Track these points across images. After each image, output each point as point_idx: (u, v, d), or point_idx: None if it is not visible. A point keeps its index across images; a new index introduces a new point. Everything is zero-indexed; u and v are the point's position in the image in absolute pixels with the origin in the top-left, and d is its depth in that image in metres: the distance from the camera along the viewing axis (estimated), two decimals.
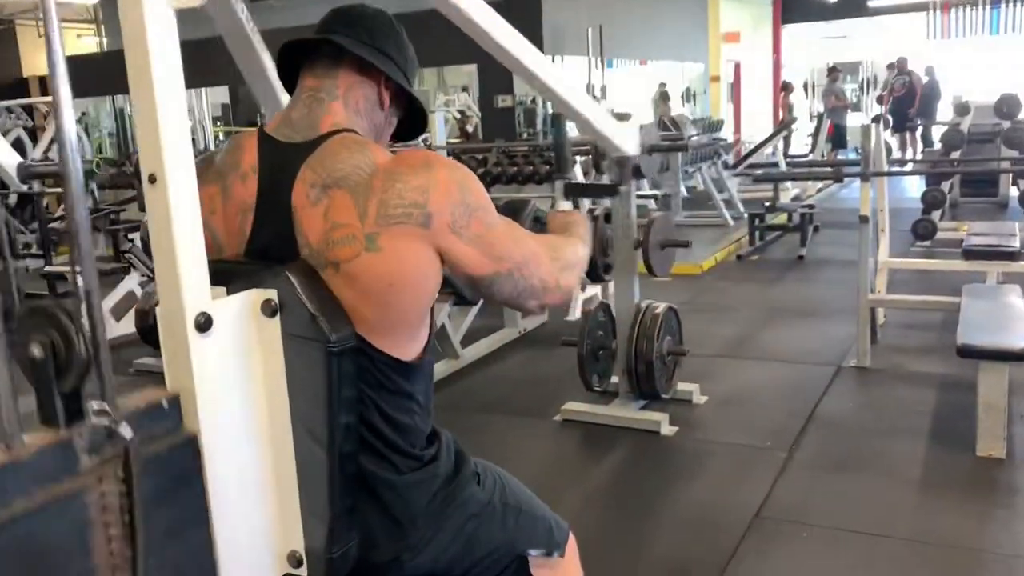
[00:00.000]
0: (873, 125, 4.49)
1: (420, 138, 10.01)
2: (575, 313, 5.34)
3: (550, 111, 12.55)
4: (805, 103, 17.02)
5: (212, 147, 11.03)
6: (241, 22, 2.39)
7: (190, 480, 1.14)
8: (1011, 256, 4.64)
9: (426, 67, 15.60)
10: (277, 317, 1.23)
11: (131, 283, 5.44)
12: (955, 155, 6.92)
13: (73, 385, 1.00)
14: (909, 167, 8.88)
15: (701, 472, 3.27)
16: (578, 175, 6.13)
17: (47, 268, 5.94)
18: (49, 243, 7.19)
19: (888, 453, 3.31)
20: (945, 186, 7.48)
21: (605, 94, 9.60)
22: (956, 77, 15.00)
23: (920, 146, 13.14)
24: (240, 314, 1.21)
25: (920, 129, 12.84)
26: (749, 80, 15.87)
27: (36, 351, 0.99)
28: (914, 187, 9.26)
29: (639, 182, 3.69)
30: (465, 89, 14.78)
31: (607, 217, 3.67)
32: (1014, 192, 8.15)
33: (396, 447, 1.31)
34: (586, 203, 6.06)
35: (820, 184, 9.65)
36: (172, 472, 1.12)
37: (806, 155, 11.87)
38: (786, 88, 15.46)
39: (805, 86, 17.43)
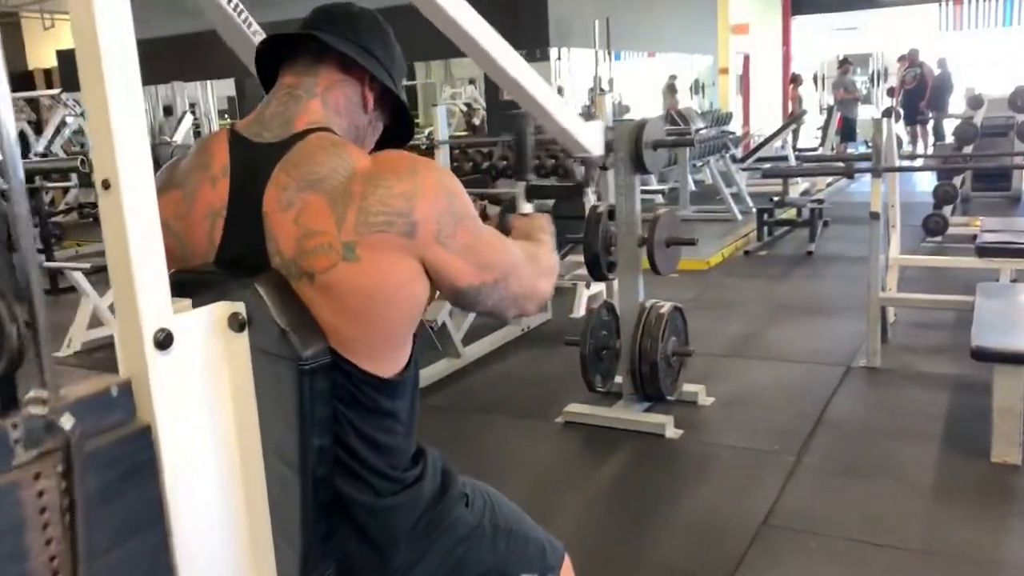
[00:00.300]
0: (885, 119, 4.36)
1: (424, 133, 9.91)
2: (579, 311, 5.26)
3: None
4: (815, 96, 16.86)
5: None
6: (229, 15, 2.31)
7: (144, 477, 1.05)
8: None
9: (432, 60, 15.52)
10: (245, 332, 1.15)
11: None
12: (968, 149, 6.78)
13: (4, 370, 0.91)
14: (919, 162, 8.76)
15: (707, 477, 3.18)
16: (582, 170, 6.03)
17: (46, 263, 5.88)
18: (50, 237, 7.14)
19: (899, 458, 3.21)
20: (957, 181, 7.35)
21: (612, 87, 9.48)
22: (969, 69, 14.81)
23: (931, 139, 13.00)
24: (205, 329, 1.13)
25: (931, 122, 12.68)
26: (758, 72, 15.71)
27: None
28: (924, 181, 9.14)
29: (645, 177, 3.61)
30: (472, 82, 14.69)
31: (611, 214, 3.58)
32: None
33: (375, 469, 1.22)
34: (591, 198, 5.97)
35: (830, 178, 9.52)
36: (122, 467, 1.02)
37: (815, 149, 11.72)
38: (795, 80, 15.31)
39: (815, 78, 17.26)
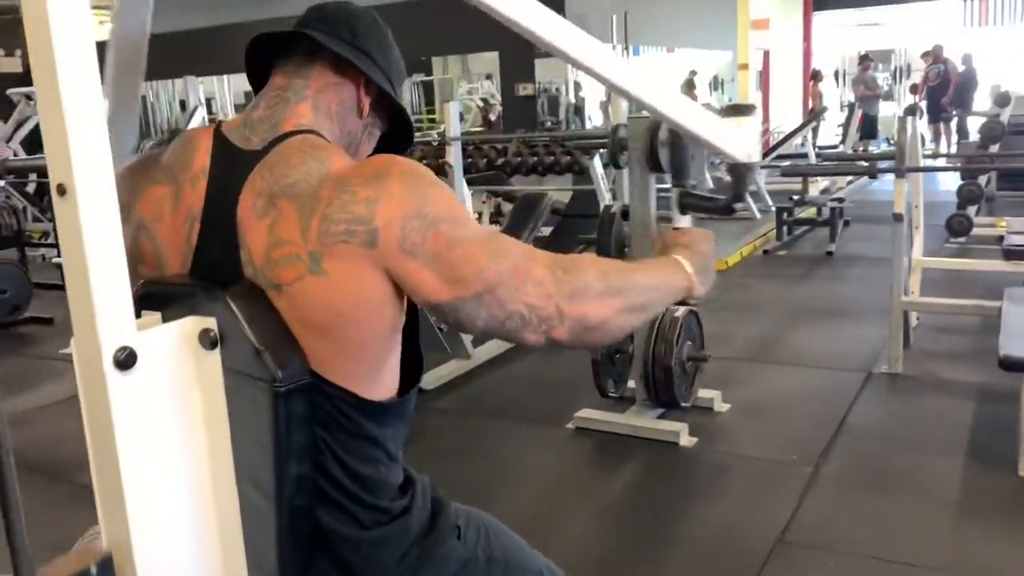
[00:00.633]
0: (909, 117, 4.23)
1: (435, 132, 9.81)
2: None
3: (572, 100, 12.36)
4: (835, 92, 16.64)
5: None
6: (143, 25, 1.77)
7: None
8: None
9: (450, 55, 15.44)
10: (217, 350, 1.06)
11: None
12: (994, 148, 6.61)
13: None
14: (942, 161, 8.59)
15: (721, 488, 3.07)
16: (597, 168, 5.92)
17: (55, 259, 5.84)
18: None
19: (922, 470, 3.09)
20: (982, 180, 7.18)
21: None
22: (993, 66, 14.55)
23: (954, 137, 12.78)
24: (172, 347, 1.03)
25: (955, 120, 12.47)
26: (778, 68, 15.52)
27: None
28: (947, 180, 8.96)
29: (661, 176, 3.49)
30: (489, 77, 14.60)
31: (625, 214, 3.48)
32: None
33: (359, 499, 1.13)
34: (606, 194, 5.86)
35: (850, 176, 9.36)
36: None
37: (835, 146, 11.55)
38: (816, 77, 15.11)
39: (836, 75, 17.04)
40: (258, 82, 1.23)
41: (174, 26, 10.46)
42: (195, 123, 7.29)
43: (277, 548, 1.08)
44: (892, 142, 13.63)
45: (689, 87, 12.69)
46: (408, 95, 14.65)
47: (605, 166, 6.00)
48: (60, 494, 2.94)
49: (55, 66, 0.90)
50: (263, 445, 1.05)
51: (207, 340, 1.05)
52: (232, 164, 1.12)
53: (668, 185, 6.57)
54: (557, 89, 12.33)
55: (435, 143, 6.15)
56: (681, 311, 3.48)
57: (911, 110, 13.43)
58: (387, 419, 1.15)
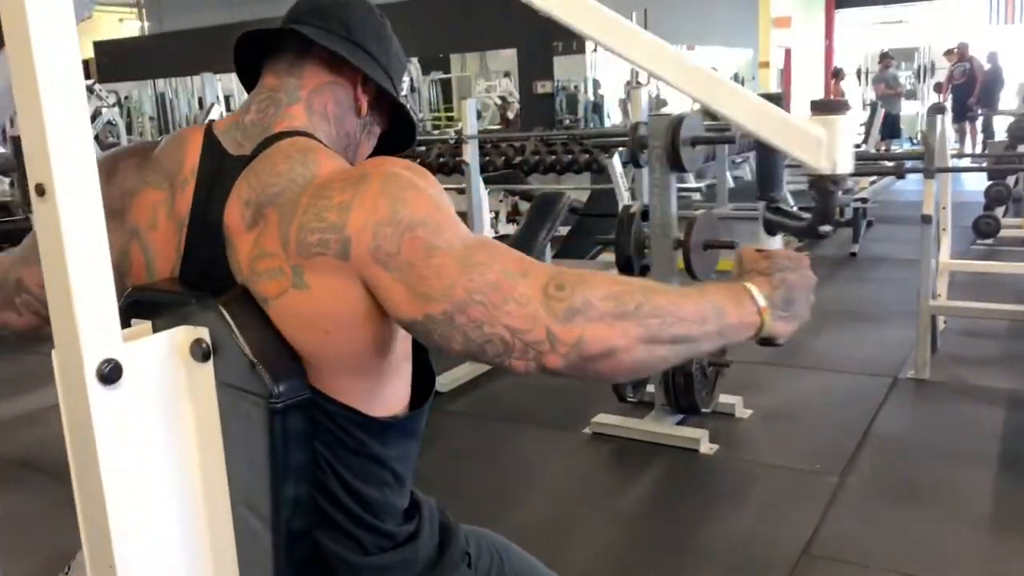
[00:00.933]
0: (939, 116, 4.11)
1: (452, 130, 9.73)
2: None
3: (590, 98, 12.27)
4: (858, 91, 16.43)
5: None
6: None
7: None
8: None
9: (468, 52, 15.37)
10: (210, 362, 0.98)
11: None
12: (1022, 148, 6.46)
13: None
14: (966, 161, 8.42)
15: (743, 498, 2.98)
16: (616, 167, 5.83)
17: None
18: None
19: (952, 481, 2.99)
20: (1010, 180, 7.03)
21: (649, 80, 9.25)
22: (1020, 64, 14.31)
23: (979, 137, 12.58)
24: (161, 359, 0.96)
25: (981, 119, 12.27)
26: (800, 66, 15.34)
27: None
28: (972, 180, 8.79)
29: (683, 175, 3.41)
30: (507, 75, 14.53)
31: (644, 214, 3.39)
32: None
33: (361, 522, 1.05)
34: (624, 194, 5.77)
35: (873, 176, 9.20)
36: None
37: (858, 146, 11.38)
38: (838, 75, 14.91)
39: (858, 73, 16.83)
40: (250, 82, 1.14)
41: (192, 23, 10.46)
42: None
43: (274, 574, 1.01)
44: (916, 141, 13.53)
45: None
46: (426, 92, 14.60)
47: (624, 164, 5.90)
48: (67, 496, 2.89)
49: (32, 56, 0.82)
50: (259, 465, 0.98)
51: (199, 351, 0.97)
52: (221, 169, 1.05)
53: (689, 184, 6.42)
54: (575, 87, 12.23)
55: (452, 141, 6.07)
56: None
57: (936, 109, 13.26)
58: (393, 437, 1.07)
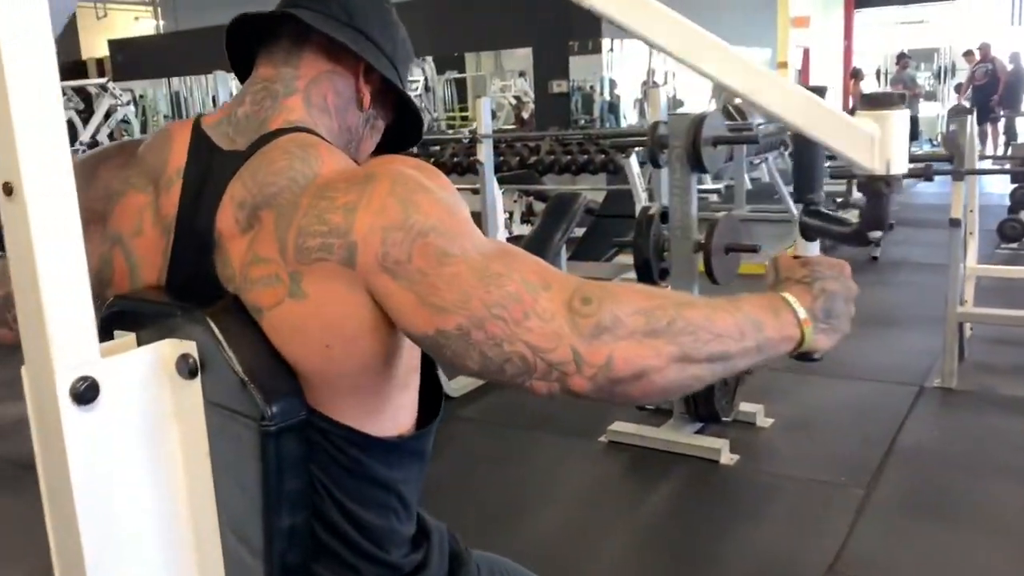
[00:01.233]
0: (968, 117, 3.98)
1: (466, 129, 9.65)
2: None
3: (606, 98, 12.16)
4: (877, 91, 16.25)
5: None
6: None
7: None
8: None
9: (483, 51, 15.29)
10: (198, 379, 0.89)
11: None
12: None
13: None
14: (987, 163, 8.25)
15: (765, 512, 2.87)
16: (634, 167, 5.73)
17: None
18: None
19: (983, 496, 2.87)
20: None
21: (667, 79, 9.14)
22: None
23: (1002, 139, 12.40)
24: (144, 376, 0.87)
25: (1003, 120, 12.09)
26: (818, 67, 15.18)
27: None
28: (993, 182, 8.62)
29: (702, 176, 3.31)
30: (522, 74, 14.44)
31: (663, 216, 3.29)
32: None
33: (364, 552, 0.96)
34: (642, 195, 5.66)
35: None
36: None
37: None
38: (856, 75, 14.74)
39: (877, 73, 16.64)
40: (245, 73, 1.05)
41: (207, 21, 10.41)
42: None
43: None
44: (936, 143, 13.34)
45: None
46: (440, 92, 14.53)
47: (641, 165, 5.80)
48: None
49: None
50: (250, 493, 0.89)
51: (185, 367, 0.89)
52: (211, 167, 0.96)
53: (707, 186, 6.30)
54: (591, 87, 12.13)
55: (466, 141, 5.99)
56: None
57: (959, 110, 13.08)
58: (398, 459, 0.98)
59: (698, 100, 11.56)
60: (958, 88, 14.12)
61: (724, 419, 3.33)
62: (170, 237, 0.96)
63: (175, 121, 1.07)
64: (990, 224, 6.34)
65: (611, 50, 11.68)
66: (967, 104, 12.29)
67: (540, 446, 3.47)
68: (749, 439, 3.35)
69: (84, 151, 7.69)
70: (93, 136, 9.79)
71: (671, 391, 0.87)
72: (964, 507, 2.81)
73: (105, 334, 0.96)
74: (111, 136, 10.49)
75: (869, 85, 15.49)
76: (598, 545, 2.70)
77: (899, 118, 0.95)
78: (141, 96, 13.96)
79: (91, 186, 0.99)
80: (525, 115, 12.96)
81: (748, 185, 8.90)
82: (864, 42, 16.64)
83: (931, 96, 16.07)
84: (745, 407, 3.48)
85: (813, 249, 1.13)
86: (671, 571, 2.55)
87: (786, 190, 8.22)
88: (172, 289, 0.96)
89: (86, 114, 10.75)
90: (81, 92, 10.83)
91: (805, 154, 1.28)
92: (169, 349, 0.89)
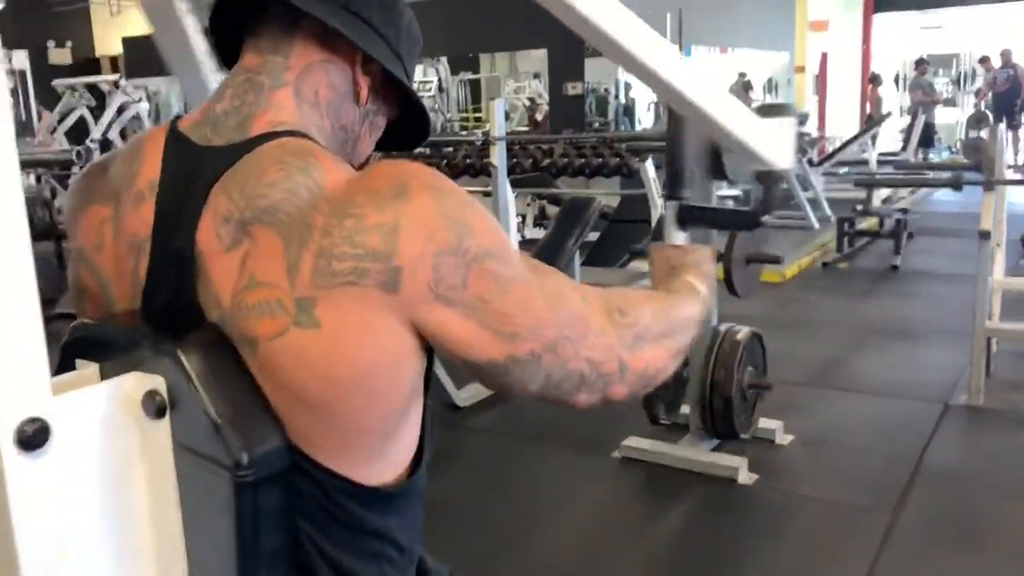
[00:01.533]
0: (1000, 126, 3.85)
1: (479, 131, 9.55)
2: None
3: (622, 101, 12.03)
4: (895, 97, 16.06)
5: None
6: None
7: None
8: None
9: (497, 52, 15.18)
10: (166, 419, 0.78)
11: None
12: None
13: None
14: (1009, 172, 8.08)
15: (785, 536, 2.74)
16: (649, 172, 5.60)
17: None
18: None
19: (1016, 520, 2.74)
20: None
21: None
22: None
23: (1022, 145, 12.22)
24: (105, 415, 0.76)
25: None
26: (836, 71, 14.99)
27: None
28: (1015, 191, 8.44)
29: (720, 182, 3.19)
30: (537, 76, 14.32)
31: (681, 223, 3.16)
32: None
33: None
34: (658, 200, 5.53)
35: (925, 186, 8.88)
36: None
37: (896, 153, 11.05)
38: (875, 81, 14.56)
39: (896, 79, 16.46)
40: (227, 55, 0.94)
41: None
42: None
43: None
44: (954, 150, 13.16)
45: (745, 89, 12.25)
46: (454, 93, 14.43)
47: (658, 169, 5.67)
48: None
49: None
50: (224, 551, 0.77)
51: (152, 406, 0.77)
52: (189, 175, 0.84)
53: (722, 192, 6.18)
54: (606, 89, 12.01)
55: (479, 143, 5.88)
56: (743, 333, 3.15)
57: (978, 117, 12.90)
58: (395, 505, 0.87)
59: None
60: (978, 94, 13.93)
61: (743, 436, 3.20)
62: (142, 256, 0.85)
63: (148, 130, 0.96)
64: (1011, 235, 6.17)
65: None
66: (990, 111, 12.13)
67: (551, 460, 3.35)
68: (768, 457, 3.22)
69: (95, 148, 7.63)
70: (104, 133, 9.73)
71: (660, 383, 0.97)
72: (996, 532, 2.68)
73: (64, 363, 0.85)
74: (123, 133, 10.43)
75: (887, 90, 15.31)
76: (609, 568, 2.58)
77: (789, 124, 1.36)
78: (155, 93, 13.91)
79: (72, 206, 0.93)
80: (539, 117, 12.84)
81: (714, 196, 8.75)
82: (883, 47, 16.44)
83: (950, 102, 15.88)
84: (764, 423, 3.35)
85: (683, 237, 1.31)
86: None
87: (804, 196, 8.08)
88: (149, 315, 0.85)
89: (99, 111, 10.70)
90: (94, 89, 10.77)
91: (675, 155, 1.75)
92: (134, 384, 0.78)
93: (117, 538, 0.77)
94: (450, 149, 6.12)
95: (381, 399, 0.80)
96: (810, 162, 8.71)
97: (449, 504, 2.90)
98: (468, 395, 3.78)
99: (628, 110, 12.06)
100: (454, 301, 0.77)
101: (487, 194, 4.71)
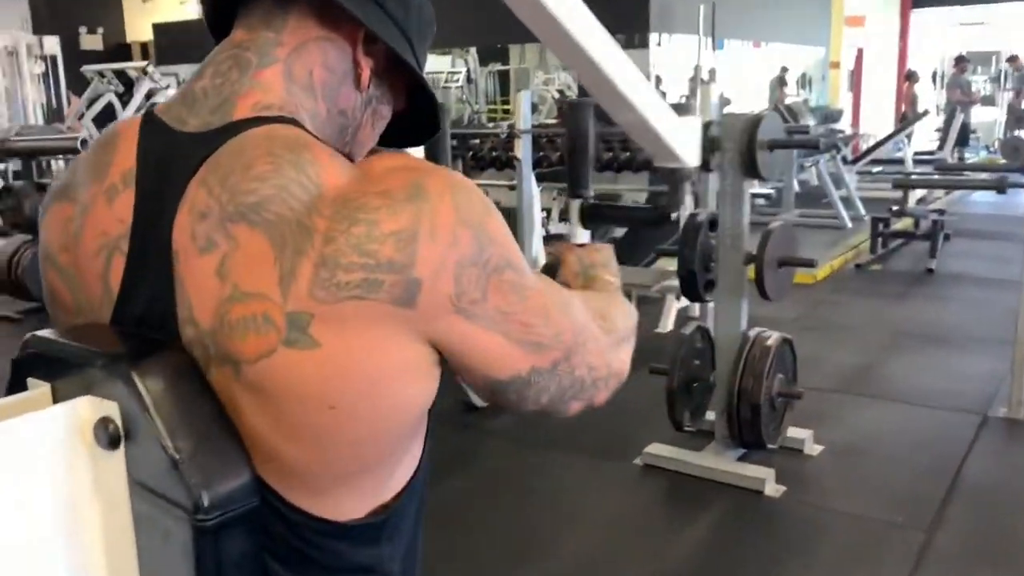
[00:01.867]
0: None
1: (505, 123, 9.44)
2: (667, 326, 4.72)
3: None
4: (932, 95, 15.72)
5: None
6: None
7: None
8: None
9: (527, 43, 15.05)
10: (120, 451, 0.69)
11: None
12: None
13: None
14: None
15: (814, 552, 2.62)
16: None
17: None
18: None
19: None
20: None
21: (714, 76, 8.81)
22: None
23: None
24: (52, 445, 0.67)
25: None
26: (871, 67, 14.70)
27: None
28: None
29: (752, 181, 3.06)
30: (566, 68, 14.17)
31: (712, 224, 3.04)
32: None
33: None
34: (689, 204, 5.39)
35: (966, 188, 8.65)
36: None
37: (932, 152, 10.80)
38: (911, 78, 14.24)
39: (933, 76, 16.11)
40: (218, 31, 0.83)
41: None
42: None
43: None
44: (993, 150, 12.85)
45: (780, 84, 12.01)
46: (483, 84, 14.32)
47: None
48: None
49: None
50: None
51: (104, 435, 0.68)
52: (167, 159, 0.74)
53: (753, 189, 6.04)
54: None
55: (503, 135, 5.77)
56: (773, 338, 3.02)
57: (1018, 116, 12.58)
58: (387, 530, 0.78)
59: (747, 99, 11.20)
60: (1017, 93, 13.61)
61: (770, 446, 3.07)
62: (114, 258, 0.75)
63: (121, 120, 0.86)
64: None
65: (659, 44, 11.37)
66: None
67: (570, 466, 3.24)
68: (797, 468, 3.10)
69: None
70: None
71: None
72: None
73: (16, 382, 0.76)
74: None
75: (924, 87, 14.98)
76: None
77: (695, 125, 1.49)
78: (184, 80, 13.92)
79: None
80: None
81: (796, 188, 8.58)
82: (921, 43, 16.10)
83: (989, 100, 15.52)
84: (793, 432, 3.22)
85: (586, 236, 1.26)
86: None
87: (836, 194, 7.90)
88: (121, 325, 0.75)
89: (127, 97, 10.72)
90: (122, 76, 10.79)
91: (577, 153, 1.61)
92: (88, 409, 0.69)
93: None
94: (477, 141, 6.01)
95: (388, 423, 0.71)
96: (844, 160, 8.52)
97: (463, 510, 2.81)
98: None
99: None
100: (475, 315, 0.70)
101: (512, 187, 4.61)
